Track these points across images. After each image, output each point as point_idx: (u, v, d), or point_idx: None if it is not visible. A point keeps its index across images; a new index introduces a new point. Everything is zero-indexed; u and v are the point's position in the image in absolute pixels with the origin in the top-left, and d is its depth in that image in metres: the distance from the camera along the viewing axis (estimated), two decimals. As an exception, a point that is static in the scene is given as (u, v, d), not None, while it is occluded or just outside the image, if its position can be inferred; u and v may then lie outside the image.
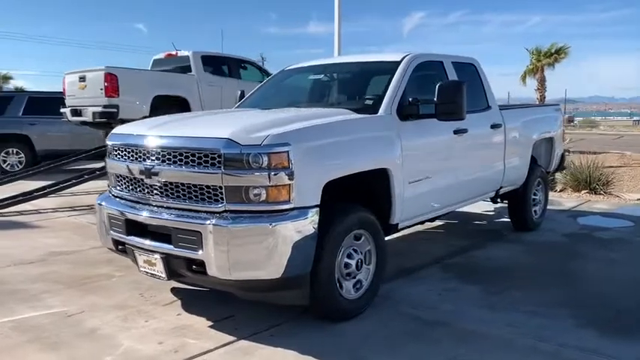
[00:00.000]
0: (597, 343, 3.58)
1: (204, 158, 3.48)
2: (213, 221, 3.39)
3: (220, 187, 3.43)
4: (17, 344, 3.58)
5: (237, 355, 3.41)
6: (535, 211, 6.87)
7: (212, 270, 3.43)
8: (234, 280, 3.47)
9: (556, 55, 23.22)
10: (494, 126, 5.64)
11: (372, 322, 3.93)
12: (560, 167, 7.70)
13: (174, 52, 11.26)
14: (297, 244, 3.43)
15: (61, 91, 10.65)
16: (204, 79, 10.88)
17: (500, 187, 5.99)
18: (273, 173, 3.35)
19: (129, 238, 3.92)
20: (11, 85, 52.24)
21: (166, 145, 3.68)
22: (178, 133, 3.73)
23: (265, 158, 3.34)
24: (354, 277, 3.97)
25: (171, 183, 3.67)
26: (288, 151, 3.38)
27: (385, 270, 4.25)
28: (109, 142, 4.21)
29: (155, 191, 3.78)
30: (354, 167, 3.83)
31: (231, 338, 3.63)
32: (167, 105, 9.62)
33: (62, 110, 10.51)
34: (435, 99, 4.34)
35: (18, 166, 12.80)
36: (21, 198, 8.48)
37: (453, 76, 5.21)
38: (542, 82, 23.97)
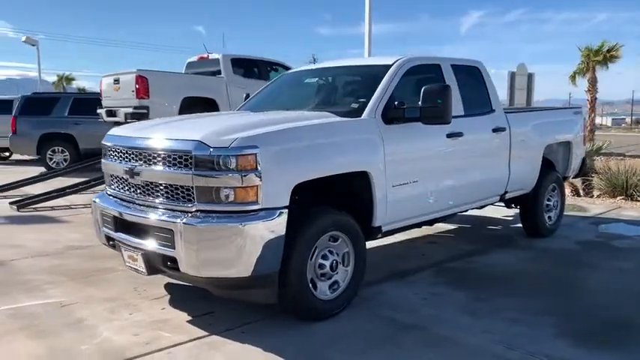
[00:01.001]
0: (570, 353, 3.51)
1: (177, 159, 3.64)
2: (184, 220, 3.53)
3: (192, 188, 3.57)
4: (9, 330, 3.84)
5: (203, 349, 3.53)
6: (550, 217, 6.70)
7: (184, 267, 3.58)
8: (204, 278, 3.61)
9: (607, 54, 22.23)
10: (497, 129, 5.55)
11: (347, 323, 3.97)
12: (581, 173, 7.45)
13: (205, 55, 11.58)
14: (265, 243, 3.53)
15: None
16: (234, 81, 11.14)
17: (506, 192, 5.88)
18: (241, 175, 3.46)
19: (117, 234, 4.12)
20: (74, 86, 54.86)
21: (146, 147, 3.87)
22: (158, 135, 3.90)
23: (233, 160, 3.46)
24: (330, 278, 4.02)
25: (150, 183, 3.85)
26: (255, 154, 3.48)
27: (364, 272, 4.28)
28: (103, 143, 4.44)
29: (138, 190, 3.97)
30: (328, 170, 3.89)
31: (204, 333, 3.76)
32: (196, 106, 9.91)
33: (99, 111, 11.01)
34: (420, 102, 4.34)
35: (63, 164, 13.50)
36: (55, 194, 8.97)
37: (451, 79, 5.17)
38: (593, 82, 22.99)
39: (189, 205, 3.60)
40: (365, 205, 4.29)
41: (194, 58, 11.83)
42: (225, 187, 3.48)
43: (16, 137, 13.67)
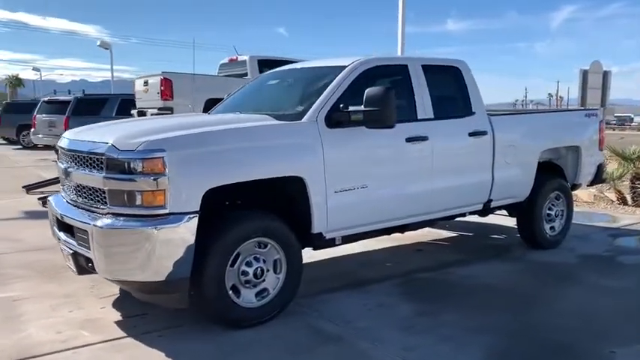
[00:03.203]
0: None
1: (94, 162, 3.72)
2: (94, 222, 3.58)
3: (105, 190, 3.61)
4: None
5: (108, 351, 3.57)
6: (552, 228, 6.22)
7: (97, 268, 3.64)
8: (115, 280, 3.65)
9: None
10: (475, 133, 5.21)
11: (270, 331, 3.88)
12: (597, 180, 6.84)
13: (235, 57, 11.75)
14: (172, 249, 3.51)
15: None
16: (260, 82, 11.21)
17: (490, 201, 5.52)
18: (147, 178, 3.46)
19: (59, 233, 4.25)
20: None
21: (74, 149, 3.96)
22: (86, 138, 3.97)
23: (140, 163, 3.46)
24: (256, 286, 3.94)
25: (78, 184, 3.94)
26: (162, 157, 3.47)
27: (299, 279, 4.16)
28: (56, 145, 4.60)
29: (71, 191, 4.08)
30: (249, 175, 3.80)
31: (122, 335, 3.80)
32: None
33: (132, 112, 11.46)
34: (363, 106, 4.16)
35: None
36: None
37: (420, 81, 4.92)
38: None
39: (103, 208, 3.65)
40: (302, 211, 4.16)
41: (225, 60, 12.04)
42: (133, 191, 3.50)
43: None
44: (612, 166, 10.44)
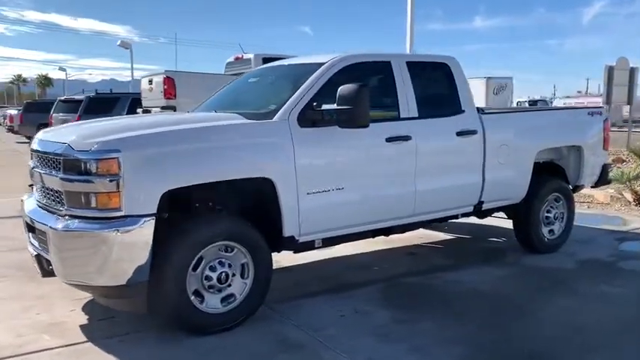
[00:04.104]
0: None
1: (52, 163, 3.64)
2: (52, 224, 3.50)
3: (62, 191, 3.52)
4: None
5: (65, 356, 3.48)
6: (551, 231, 5.96)
7: (55, 271, 3.57)
8: (74, 284, 3.56)
9: None
10: (463, 133, 4.99)
11: (234, 338, 3.75)
12: (602, 181, 6.53)
13: (240, 55, 11.66)
14: (129, 252, 3.40)
15: None
16: (264, 80, 11.09)
17: (481, 202, 5.29)
18: (102, 179, 3.36)
19: (28, 234, 4.19)
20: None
21: (39, 149, 3.89)
22: (51, 138, 3.89)
23: (94, 164, 3.36)
24: (221, 291, 3.81)
25: (42, 185, 3.86)
26: (117, 158, 3.36)
27: (268, 284, 4.01)
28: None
29: (39, 192, 4.00)
30: (211, 176, 3.67)
31: (83, 339, 3.71)
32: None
33: (138, 110, 11.46)
34: (336, 104, 3.99)
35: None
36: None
37: (404, 78, 4.72)
38: None
39: (62, 209, 3.56)
40: (273, 214, 4.02)
41: (231, 59, 11.97)
42: (89, 192, 3.40)
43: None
44: (631, 166, 10.07)
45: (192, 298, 3.69)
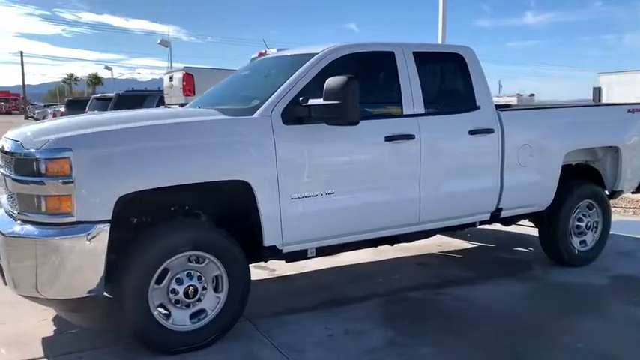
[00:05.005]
0: None
1: (7, 162, 3.35)
2: (1, 229, 3.20)
3: (14, 193, 3.22)
4: None
5: (12, 374, 3.18)
6: (583, 242, 5.33)
7: (6, 280, 3.27)
8: (23, 295, 3.25)
9: None
10: (477, 131, 4.45)
11: (199, 357, 3.37)
12: (645, 187, 5.83)
13: (264, 51, 11.30)
14: (80, 263, 3.07)
15: None
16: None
17: (499, 210, 4.73)
18: (52, 181, 3.04)
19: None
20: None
21: (3, 148, 3.59)
22: (12, 136, 3.59)
23: (43, 164, 3.04)
24: (189, 306, 3.43)
25: (6, 187, 3.57)
26: (68, 158, 3.02)
27: (245, 298, 3.61)
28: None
29: (6, 194, 3.72)
30: (177, 179, 3.28)
31: (39, 355, 3.41)
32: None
33: (161, 107, 11.29)
34: (322, 99, 3.55)
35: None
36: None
37: (409, 71, 4.22)
38: None
39: (16, 213, 3.26)
40: (251, 221, 3.62)
41: (255, 55, 11.61)
42: (39, 195, 3.07)
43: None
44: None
45: (156, 313, 3.33)
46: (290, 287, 4.75)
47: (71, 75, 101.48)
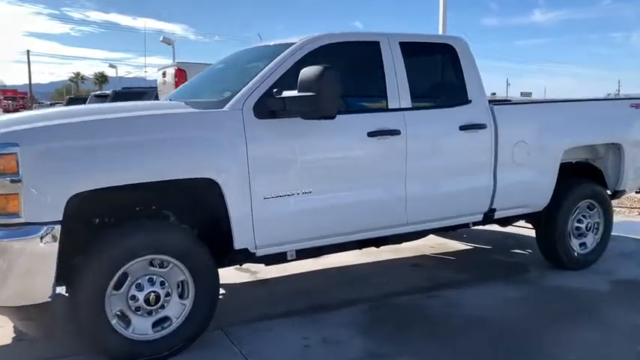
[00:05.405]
0: None
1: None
2: (-56, 231, 2.96)
3: (-39, 193, 2.99)
4: None
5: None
6: (583, 244, 5.05)
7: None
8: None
9: None
10: (468, 127, 4.18)
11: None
12: (651, 186, 5.53)
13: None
14: (27, 267, 2.83)
15: None
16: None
17: (492, 210, 4.46)
18: (-3, 179, 2.79)
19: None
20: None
21: None
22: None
23: (-14, 161, 2.80)
24: (151, 314, 3.19)
25: None
26: (15, 153, 2.78)
27: (213, 305, 3.36)
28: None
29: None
30: (135, 177, 3.03)
31: (-9, 366, 3.18)
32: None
33: (154, 104, 11.09)
34: (297, 91, 3.29)
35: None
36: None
37: (396, 62, 3.96)
38: None
39: (-35, 215, 3.02)
40: (221, 222, 3.37)
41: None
42: (-16, 194, 2.84)
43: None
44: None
45: (115, 321, 3.08)
46: (269, 292, 4.51)
47: (77, 74, 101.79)
